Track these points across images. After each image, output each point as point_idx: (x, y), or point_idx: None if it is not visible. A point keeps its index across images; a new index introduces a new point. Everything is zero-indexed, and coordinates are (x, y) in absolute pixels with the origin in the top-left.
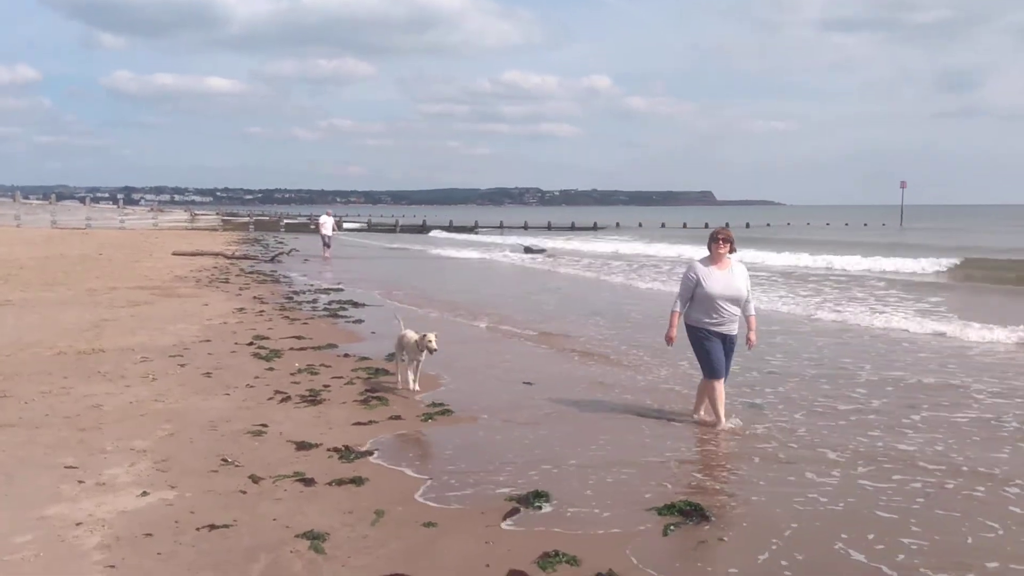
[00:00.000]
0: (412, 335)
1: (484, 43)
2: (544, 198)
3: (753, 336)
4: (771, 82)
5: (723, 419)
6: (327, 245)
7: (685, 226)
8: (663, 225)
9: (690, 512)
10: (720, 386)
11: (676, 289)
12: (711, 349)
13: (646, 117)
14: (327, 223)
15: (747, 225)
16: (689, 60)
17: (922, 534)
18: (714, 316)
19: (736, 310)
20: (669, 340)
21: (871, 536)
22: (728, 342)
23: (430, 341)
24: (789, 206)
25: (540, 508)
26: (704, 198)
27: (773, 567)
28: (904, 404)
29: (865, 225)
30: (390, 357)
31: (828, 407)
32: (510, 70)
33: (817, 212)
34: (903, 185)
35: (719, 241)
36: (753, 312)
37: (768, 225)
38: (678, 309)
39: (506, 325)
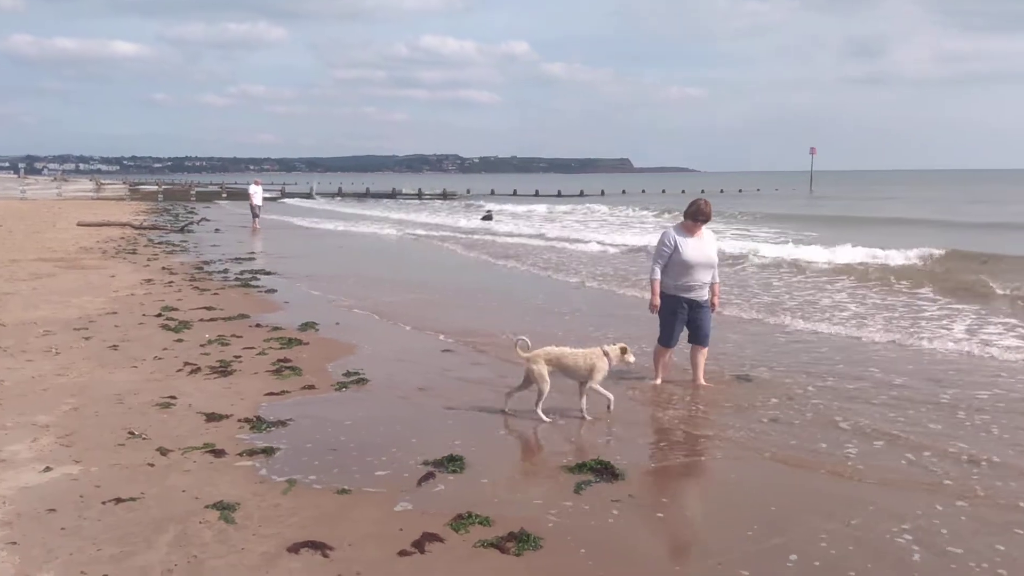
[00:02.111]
0: (575, 352)
1: (401, 7)
2: (464, 165)
3: (716, 300)
4: (687, 49)
5: (659, 379)
6: (256, 216)
7: (603, 193)
8: (581, 192)
9: (601, 470)
10: (669, 353)
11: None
12: (674, 322)
13: (565, 84)
14: (257, 193)
15: (663, 191)
16: (606, 26)
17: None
18: (687, 282)
19: (707, 277)
20: (653, 308)
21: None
22: (697, 307)
23: (626, 351)
24: (704, 173)
25: (455, 472)
26: (622, 165)
27: (677, 520)
28: None
29: (776, 190)
30: (304, 327)
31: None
32: (428, 35)
33: (731, 178)
34: (813, 151)
35: (698, 221)
36: (718, 280)
37: (683, 192)
38: (657, 277)
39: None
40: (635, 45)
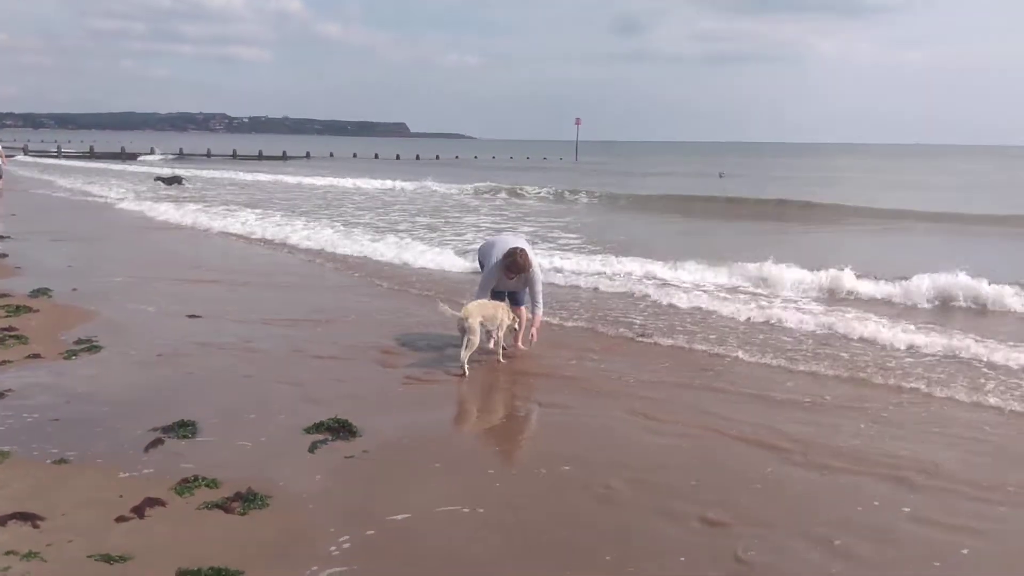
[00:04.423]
0: (491, 303)
1: None
2: (232, 124)
3: (534, 330)
4: (464, 16)
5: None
6: None
7: (377, 156)
8: (355, 155)
9: (338, 429)
10: (523, 311)
11: None
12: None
13: (340, 45)
14: None
15: (437, 157)
16: None
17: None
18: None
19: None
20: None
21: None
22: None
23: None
24: (479, 140)
25: (186, 437)
26: (398, 129)
27: (409, 472)
28: None
29: (544, 159)
30: (35, 293)
31: None
32: None
33: (504, 146)
34: (578, 122)
35: (511, 271)
36: (539, 313)
37: (456, 158)
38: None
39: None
40: (412, 9)
